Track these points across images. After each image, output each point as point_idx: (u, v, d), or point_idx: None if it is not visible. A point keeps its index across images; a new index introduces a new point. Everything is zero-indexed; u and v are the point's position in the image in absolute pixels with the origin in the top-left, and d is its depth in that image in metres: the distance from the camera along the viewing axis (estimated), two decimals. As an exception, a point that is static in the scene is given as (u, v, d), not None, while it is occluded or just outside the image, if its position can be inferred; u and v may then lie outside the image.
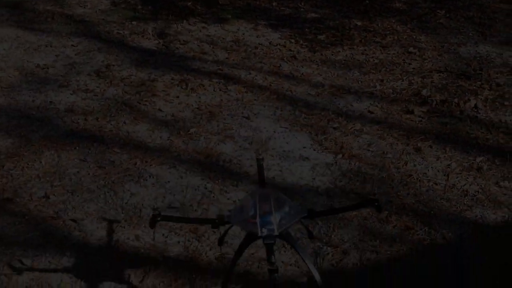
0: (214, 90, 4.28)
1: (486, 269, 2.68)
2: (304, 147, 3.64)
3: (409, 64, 4.63)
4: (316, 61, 4.74)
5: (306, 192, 3.22)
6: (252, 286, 2.62)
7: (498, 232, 2.91)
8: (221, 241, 2.13)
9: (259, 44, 5.00)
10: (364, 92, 4.26)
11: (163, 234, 2.92)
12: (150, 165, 3.45)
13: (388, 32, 5.20)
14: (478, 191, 3.20)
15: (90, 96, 4.20)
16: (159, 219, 2.01)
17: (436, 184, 3.27)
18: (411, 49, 4.88)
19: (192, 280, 2.65)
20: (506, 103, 3.98)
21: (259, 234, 1.92)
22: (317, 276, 1.99)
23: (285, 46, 4.96)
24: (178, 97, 4.19)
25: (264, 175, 2.36)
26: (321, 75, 4.52)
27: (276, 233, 1.92)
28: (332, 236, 2.90)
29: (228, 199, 3.17)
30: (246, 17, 5.47)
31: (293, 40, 5.06)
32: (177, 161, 3.50)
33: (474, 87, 4.20)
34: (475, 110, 3.93)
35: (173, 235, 2.92)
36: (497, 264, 2.70)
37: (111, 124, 3.85)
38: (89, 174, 3.38)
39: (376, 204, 1.98)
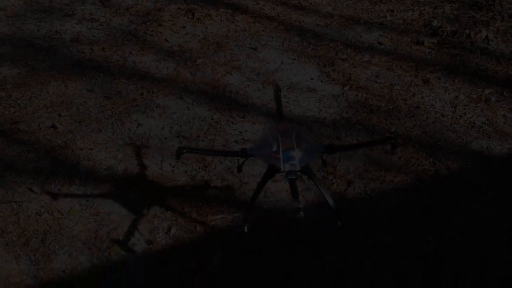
0: (221, 20, 4.21)
1: (490, 200, 2.71)
2: (312, 79, 3.61)
3: (421, -7, 4.52)
4: (326, -9, 4.62)
5: (312, 123, 3.23)
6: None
7: (504, 163, 2.92)
8: (240, 169, 2.29)
9: (267, -28, 4.86)
10: (373, 22, 4.18)
11: (170, 164, 2.96)
12: (157, 96, 3.45)
13: (400, -40, 5.04)
14: (485, 123, 3.19)
15: (96, 26, 4.15)
16: (184, 151, 2.17)
17: (443, 115, 3.26)
18: (423, -22, 4.73)
19: (199, 207, 2.70)
20: (518, 34, 3.90)
21: (282, 169, 2.04)
22: (332, 203, 2.19)
23: (293, -25, 4.83)
24: (184, 27, 4.13)
25: (282, 107, 2.45)
26: (330, 5, 4.42)
27: (297, 168, 2.03)
28: (338, 166, 2.92)
29: (234, 130, 3.19)
30: None
31: (302, -31, 4.92)
32: (184, 91, 3.49)
33: (486, 18, 4.10)
34: (486, 41, 3.86)
35: (180, 165, 2.95)
36: (502, 195, 2.73)
37: (118, 54, 3.83)
38: (96, 104, 3.39)
39: (392, 141, 2.15)
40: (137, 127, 3.21)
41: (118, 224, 2.64)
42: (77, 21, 4.20)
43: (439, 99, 3.38)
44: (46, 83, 3.55)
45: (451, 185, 2.81)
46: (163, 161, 2.97)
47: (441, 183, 2.82)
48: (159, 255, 2.49)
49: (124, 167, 2.95)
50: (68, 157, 3.02)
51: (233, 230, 2.59)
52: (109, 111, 3.32)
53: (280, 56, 3.82)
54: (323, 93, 3.48)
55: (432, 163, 2.93)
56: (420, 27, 4.08)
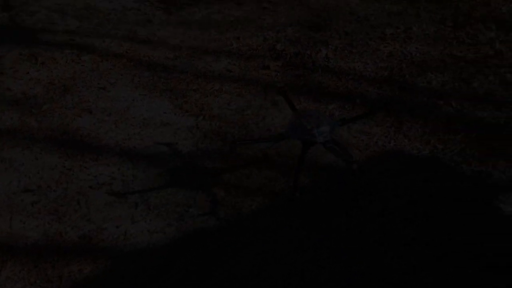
0: (66, 62, 4.09)
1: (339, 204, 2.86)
2: (165, 113, 3.61)
3: (264, 19, 4.69)
4: (173, 23, 4.66)
5: (168, 157, 3.22)
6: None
7: (348, 174, 3.09)
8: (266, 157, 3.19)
9: (112, 9, 4.81)
10: (222, 51, 4.28)
11: (20, 220, 2.81)
12: (2, 149, 3.27)
13: (242, -12, 5.22)
14: (331, 137, 3.37)
15: None
16: (238, 143, 3.16)
17: (293, 135, 3.39)
18: (265, 4, 4.93)
19: (54, 262, 2.58)
20: (354, 50, 4.17)
21: (318, 141, 2.79)
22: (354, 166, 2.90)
23: (139, 10, 4.83)
24: (28, 73, 3.97)
25: (292, 100, 3.14)
26: (178, 37, 4.47)
27: (329, 138, 2.80)
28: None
29: (88, 175, 3.10)
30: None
31: (147, 3, 4.92)
32: (31, 141, 3.34)
33: (325, 38, 4.35)
34: (326, 59, 4.09)
35: (31, 220, 2.81)
36: (342, 210, 2.89)
37: (-46, 110, 3.59)
38: None
39: (385, 108, 3.28)
40: (-19, 185, 3.02)
41: (-35, 294, 2.45)
42: None
43: (288, 119, 3.51)
44: None
45: (305, 199, 2.92)
46: (12, 218, 2.81)
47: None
48: (13, 320, 2.34)
49: (-32, 230, 2.75)
50: None
51: (94, 280, 2.50)
52: None
53: (131, 93, 3.78)
54: (177, 126, 3.49)
55: (287, 183, 3.03)
56: (265, 51, 4.23)
